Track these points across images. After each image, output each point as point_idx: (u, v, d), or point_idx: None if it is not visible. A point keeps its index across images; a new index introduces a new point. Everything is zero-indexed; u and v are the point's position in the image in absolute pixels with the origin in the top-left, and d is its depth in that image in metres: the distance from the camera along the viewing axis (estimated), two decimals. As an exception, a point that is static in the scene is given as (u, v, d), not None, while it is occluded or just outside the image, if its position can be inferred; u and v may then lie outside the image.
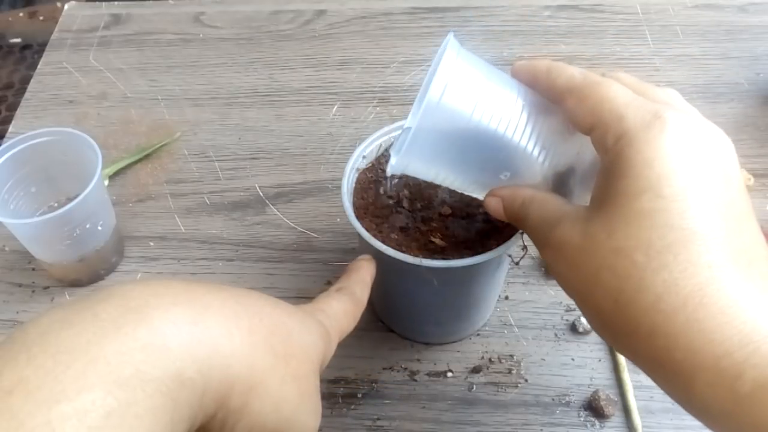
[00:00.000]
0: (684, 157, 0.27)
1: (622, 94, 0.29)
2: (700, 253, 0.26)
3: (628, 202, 0.27)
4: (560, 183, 0.34)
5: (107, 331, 0.23)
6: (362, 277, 0.38)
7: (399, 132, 0.45)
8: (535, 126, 0.33)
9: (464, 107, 0.32)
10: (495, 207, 0.35)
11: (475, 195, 0.37)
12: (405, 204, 0.42)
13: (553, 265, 0.31)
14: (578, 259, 0.29)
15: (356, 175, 0.43)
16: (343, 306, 0.35)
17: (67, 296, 0.52)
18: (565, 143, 0.33)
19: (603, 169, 0.29)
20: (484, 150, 0.33)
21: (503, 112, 0.32)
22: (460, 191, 0.38)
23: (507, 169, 0.34)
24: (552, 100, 0.33)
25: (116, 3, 0.76)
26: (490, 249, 0.38)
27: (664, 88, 0.32)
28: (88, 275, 0.52)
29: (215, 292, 0.27)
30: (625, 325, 0.27)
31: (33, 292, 0.52)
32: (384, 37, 0.70)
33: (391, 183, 0.43)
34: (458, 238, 0.40)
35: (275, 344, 0.27)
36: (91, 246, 0.50)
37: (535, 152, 0.33)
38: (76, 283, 0.52)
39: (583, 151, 0.34)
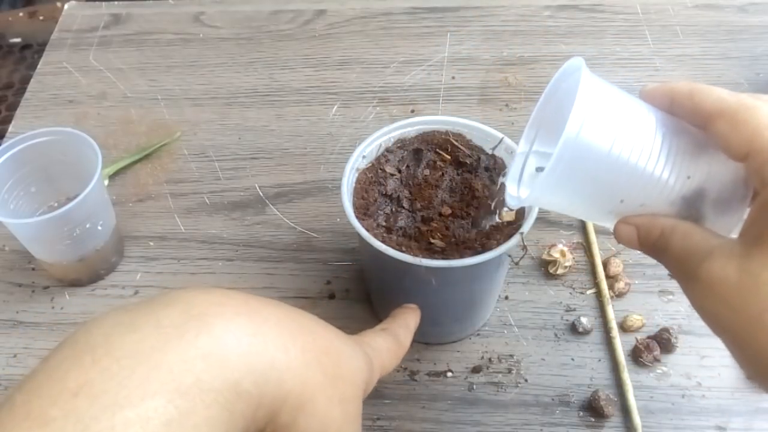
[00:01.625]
0: None
1: None
2: None
3: None
4: (689, 206, 0.32)
5: (170, 338, 0.23)
6: (407, 321, 0.38)
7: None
8: (671, 153, 0.31)
9: (602, 142, 0.30)
10: (628, 236, 0.32)
11: (602, 223, 0.35)
12: (405, 204, 0.42)
13: (701, 303, 0.29)
14: (736, 299, 0.27)
15: (356, 175, 0.43)
16: (387, 344, 0.35)
17: (67, 296, 0.52)
18: (696, 164, 0.31)
19: (762, 201, 0.27)
20: (624, 182, 0.31)
21: (642, 145, 0.30)
22: (588, 221, 0.36)
23: (645, 199, 0.32)
24: (695, 124, 0.31)
25: (116, 3, 0.76)
26: (490, 249, 0.38)
27: None
28: (88, 275, 0.52)
29: (272, 306, 0.27)
30: None
31: (33, 292, 0.52)
32: (384, 37, 0.70)
33: (386, 176, 0.43)
34: (458, 238, 0.40)
35: (326, 364, 0.27)
36: (91, 246, 0.50)
37: (672, 181, 0.31)
38: (76, 283, 0.52)
39: (713, 171, 0.31)
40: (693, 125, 0.31)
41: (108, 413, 0.20)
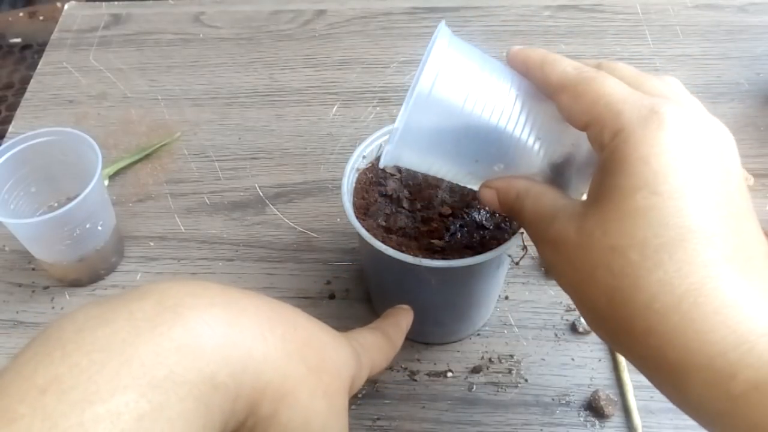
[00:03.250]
0: (681, 153, 0.27)
1: (618, 90, 0.29)
2: (696, 252, 0.25)
3: (624, 199, 0.27)
4: (557, 173, 0.34)
5: (142, 331, 0.22)
6: (398, 321, 0.37)
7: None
8: (530, 116, 0.32)
9: (456, 98, 0.31)
10: (490, 198, 0.34)
11: (470, 186, 0.37)
12: (405, 204, 0.42)
13: (550, 262, 0.31)
14: (574, 257, 0.28)
15: (356, 175, 0.43)
16: (377, 340, 0.34)
17: (67, 296, 0.52)
18: (561, 133, 0.33)
19: (599, 165, 0.29)
20: (478, 141, 0.33)
21: (496, 103, 0.32)
22: (455, 182, 0.37)
23: (501, 161, 0.33)
24: (546, 95, 0.32)
25: (116, 3, 0.76)
26: (490, 249, 0.38)
27: (663, 77, 0.31)
28: (88, 275, 0.52)
29: (251, 297, 0.27)
30: (621, 323, 0.27)
31: (33, 292, 0.52)
32: (384, 37, 0.70)
33: (386, 176, 0.43)
34: (458, 238, 0.40)
35: (308, 356, 0.27)
36: (91, 246, 0.50)
37: (531, 142, 0.33)
38: (76, 283, 0.52)
39: (579, 141, 0.33)
40: (545, 95, 0.32)
41: (77, 409, 0.20)
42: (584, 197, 0.31)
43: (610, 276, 0.27)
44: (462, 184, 0.37)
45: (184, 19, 0.74)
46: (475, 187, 0.36)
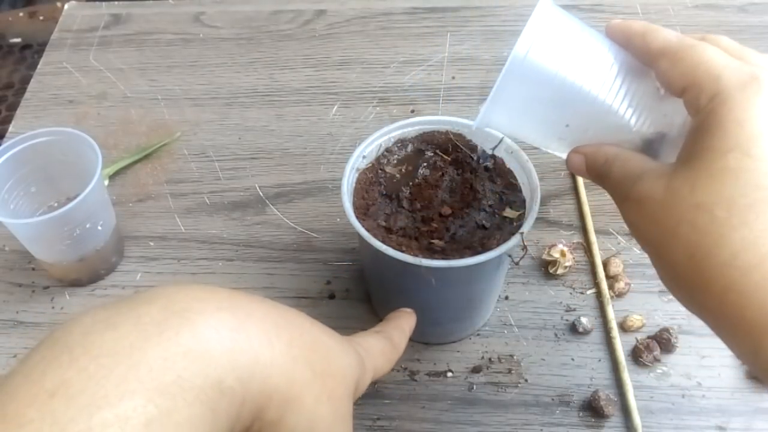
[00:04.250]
0: None
1: (719, 56, 0.29)
2: None
3: (715, 158, 0.27)
4: (647, 145, 0.34)
5: (150, 335, 0.22)
6: (401, 325, 0.38)
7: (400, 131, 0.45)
8: (624, 85, 0.32)
9: (551, 65, 0.32)
10: (578, 164, 0.34)
11: (557, 153, 0.37)
12: (405, 204, 0.42)
13: (631, 220, 0.31)
14: (658, 214, 0.29)
15: (356, 175, 0.43)
16: (380, 345, 0.34)
17: (67, 296, 0.52)
18: (655, 107, 0.33)
19: (693, 128, 0.29)
20: (572, 107, 0.33)
21: (593, 71, 0.32)
22: (541, 147, 0.37)
23: (593, 128, 0.34)
24: (645, 63, 0.32)
25: (116, 3, 0.76)
26: (490, 249, 0.38)
27: (765, 54, 0.32)
28: (88, 275, 0.52)
29: (258, 302, 0.27)
30: (700, 281, 0.27)
31: (33, 292, 0.52)
32: (384, 37, 0.70)
33: (386, 176, 0.43)
34: (458, 238, 0.40)
35: (314, 361, 0.27)
36: (91, 246, 0.50)
37: (625, 114, 0.33)
38: (76, 283, 0.52)
39: (673, 116, 0.33)
40: (644, 64, 0.32)
41: (85, 414, 0.20)
42: None
43: (694, 232, 0.27)
44: (548, 150, 0.37)
45: (184, 19, 0.74)
46: (561, 154, 0.36)
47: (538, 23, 0.31)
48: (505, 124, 0.36)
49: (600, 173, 0.33)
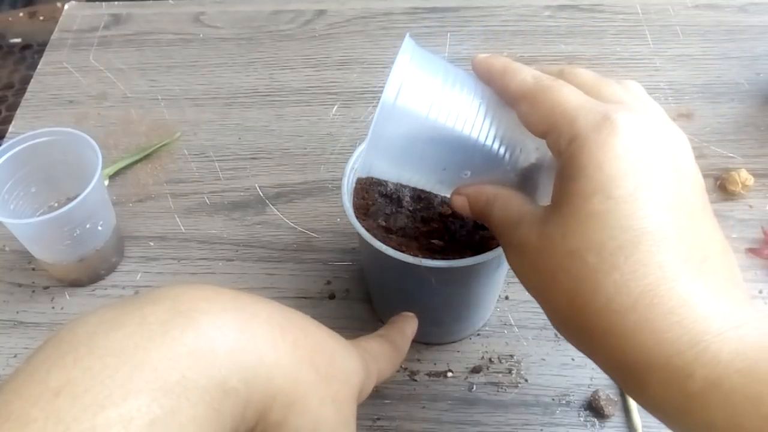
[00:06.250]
0: (634, 157, 0.27)
1: (574, 97, 0.29)
2: (650, 254, 0.26)
3: (581, 203, 0.27)
4: (525, 178, 0.34)
5: (155, 335, 0.22)
6: (403, 328, 0.38)
7: None
8: (493, 123, 0.33)
9: (420, 108, 0.32)
10: (461, 205, 0.35)
11: (442, 194, 0.37)
12: (405, 204, 0.42)
13: (514, 267, 0.31)
14: (537, 261, 0.29)
15: (356, 175, 0.43)
16: (383, 349, 0.35)
17: (67, 296, 0.52)
18: (525, 139, 0.33)
19: (558, 171, 0.30)
20: (444, 149, 0.33)
21: (460, 111, 0.32)
22: (427, 190, 0.38)
23: (468, 168, 0.34)
24: (507, 104, 0.33)
25: (116, 3, 0.76)
26: (490, 249, 0.38)
27: (624, 82, 0.32)
28: (88, 275, 0.52)
29: (263, 303, 0.27)
30: (582, 325, 0.27)
31: (33, 292, 0.52)
32: (384, 37, 0.70)
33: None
34: (458, 238, 0.40)
35: (318, 363, 0.27)
36: (91, 246, 0.50)
37: (496, 148, 0.33)
38: (76, 283, 0.52)
39: (543, 148, 0.33)
40: (507, 104, 0.33)
41: (89, 413, 0.20)
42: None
43: (570, 279, 0.27)
44: (435, 192, 0.38)
45: (184, 19, 0.74)
46: (447, 194, 0.36)
47: (404, 68, 0.31)
48: (386, 170, 0.36)
49: (482, 214, 0.33)
